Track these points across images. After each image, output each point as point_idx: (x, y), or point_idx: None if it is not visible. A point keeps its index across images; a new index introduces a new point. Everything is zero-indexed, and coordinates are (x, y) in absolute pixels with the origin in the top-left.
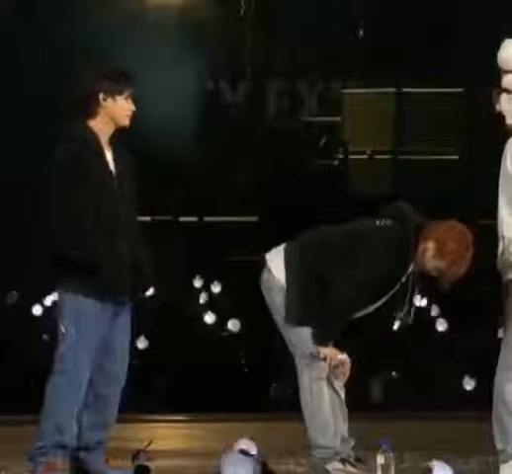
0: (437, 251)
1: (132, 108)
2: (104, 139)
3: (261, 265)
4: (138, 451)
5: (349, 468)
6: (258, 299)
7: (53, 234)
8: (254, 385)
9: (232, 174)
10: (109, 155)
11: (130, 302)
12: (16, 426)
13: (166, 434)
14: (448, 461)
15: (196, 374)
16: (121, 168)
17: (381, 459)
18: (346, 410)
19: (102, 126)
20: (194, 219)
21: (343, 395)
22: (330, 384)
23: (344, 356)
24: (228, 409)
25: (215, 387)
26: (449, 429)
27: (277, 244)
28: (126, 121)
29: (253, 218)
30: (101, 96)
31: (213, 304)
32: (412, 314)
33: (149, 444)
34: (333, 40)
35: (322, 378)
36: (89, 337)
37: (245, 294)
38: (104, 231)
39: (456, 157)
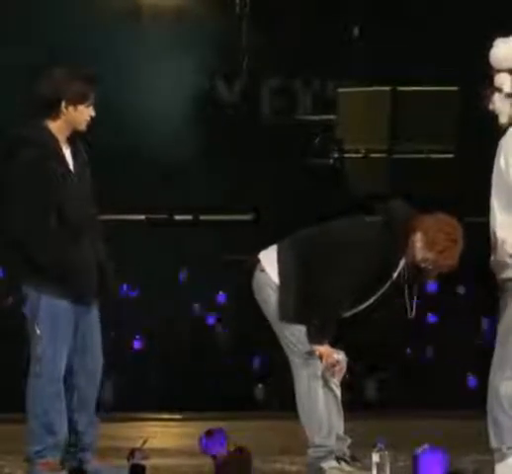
0: (424, 241)
1: (92, 114)
2: (62, 140)
3: (253, 264)
4: (134, 450)
5: (344, 466)
6: (253, 298)
7: (20, 237)
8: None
9: (227, 172)
10: (67, 154)
11: (95, 302)
12: (13, 424)
13: (161, 433)
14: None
15: (189, 374)
16: (79, 167)
17: (376, 457)
18: (341, 408)
19: (60, 129)
20: (189, 218)
21: (339, 393)
22: (325, 382)
23: (341, 356)
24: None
25: (210, 387)
26: (445, 427)
27: (272, 243)
28: (83, 127)
29: (248, 217)
30: (63, 104)
31: (208, 303)
32: (414, 309)
33: (145, 443)
34: (329, 39)
35: (318, 376)
36: (64, 338)
37: (241, 294)
38: (69, 232)
39: (451, 156)
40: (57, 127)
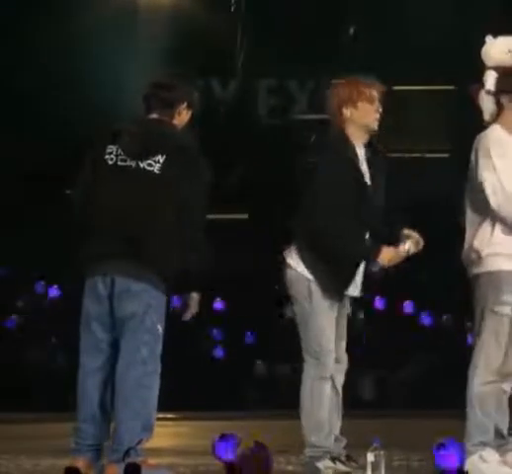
0: (350, 104)
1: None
2: None
3: (281, 263)
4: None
5: (339, 466)
6: (250, 298)
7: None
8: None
9: (223, 172)
10: None
11: None
12: (10, 424)
13: (156, 432)
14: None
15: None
16: None
17: (371, 457)
18: (341, 409)
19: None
20: None
21: (341, 394)
22: (333, 384)
23: (406, 245)
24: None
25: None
26: (440, 426)
27: (267, 241)
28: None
29: (244, 216)
30: (184, 105)
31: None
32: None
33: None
34: (324, 39)
35: (325, 378)
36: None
37: (238, 293)
38: None
39: (446, 155)
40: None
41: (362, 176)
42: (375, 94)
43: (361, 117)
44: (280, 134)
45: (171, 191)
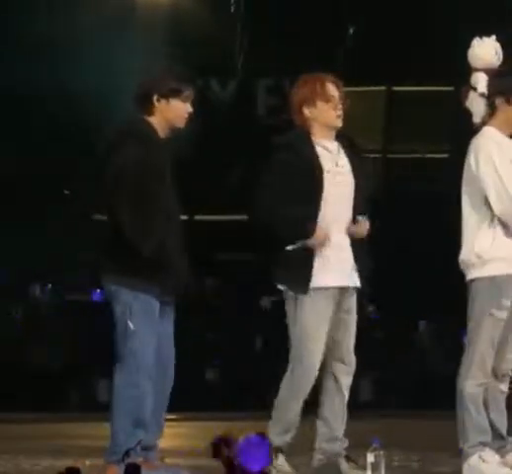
0: (309, 103)
1: (189, 110)
2: (161, 134)
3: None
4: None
5: (280, 460)
6: (247, 298)
7: (125, 229)
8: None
9: (223, 172)
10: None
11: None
12: (8, 424)
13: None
14: (436, 460)
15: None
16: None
17: (371, 457)
18: (345, 410)
19: (158, 124)
20: (184, 218)
21: (346, 396)
22: (337, 386)
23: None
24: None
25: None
26: (439, 427)
27: (266, 241)
28: (179, 123)
29: (243, 217)
30: (155, 97)
31: (204, 302)
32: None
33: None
34: (324, 38)
35: (308, 381)
36: (154, 334)
37: (235, 293)
38: (167, 230)
39: (445, 156)
40: (155, 122)
41: (321, 171)
42: (332, 91)
43: (320, 116)
44: (279, 134)
45: (121, 186)
